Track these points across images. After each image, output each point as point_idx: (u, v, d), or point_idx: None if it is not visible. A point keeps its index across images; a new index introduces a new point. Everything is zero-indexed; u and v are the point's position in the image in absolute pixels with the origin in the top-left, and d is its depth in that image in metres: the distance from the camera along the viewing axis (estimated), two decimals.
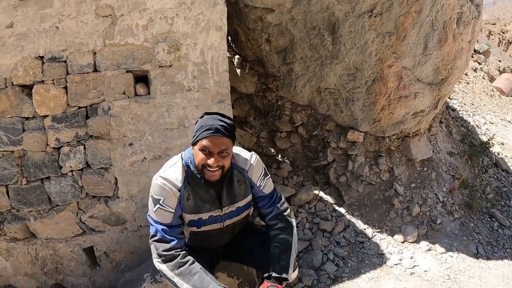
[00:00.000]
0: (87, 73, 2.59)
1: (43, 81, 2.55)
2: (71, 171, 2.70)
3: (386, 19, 3.26)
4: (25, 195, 2.67)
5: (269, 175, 2.09)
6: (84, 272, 2.88)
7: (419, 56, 3.48)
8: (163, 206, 1.86)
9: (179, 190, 1.86)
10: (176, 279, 1.82)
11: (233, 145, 1.88)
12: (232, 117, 2.91)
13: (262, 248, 2.11)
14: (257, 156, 2.07)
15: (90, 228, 2.81)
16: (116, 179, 2.75)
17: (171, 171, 1.90)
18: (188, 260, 1.85)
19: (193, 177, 1.89)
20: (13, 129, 2.59)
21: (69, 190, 2.71)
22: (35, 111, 2.58)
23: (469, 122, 5.12)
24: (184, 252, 1.88)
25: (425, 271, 3.14)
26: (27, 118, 2.60)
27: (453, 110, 5.21)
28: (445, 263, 3.24)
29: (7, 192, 2.67)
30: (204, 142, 1.77)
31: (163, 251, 1.86)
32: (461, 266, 3.23)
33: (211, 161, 1.77)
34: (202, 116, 1.89)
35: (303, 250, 3.18)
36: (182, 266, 1.84)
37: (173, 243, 1.86)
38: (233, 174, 1.96)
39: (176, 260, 1.84)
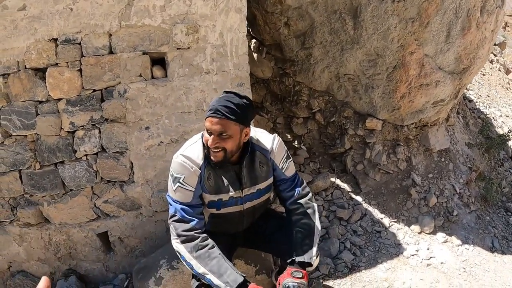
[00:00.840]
0: (102, 55, 2.48)
1: (57, 64, 2.46)
2: (86, 155, 2.62)
3: (409, 5, 3.11)
4: (38, 180, 2.60)
5: (291, 158, 2.03)
6: (98, 257, 2.82)
7: (442, 44, 3.34)
8: (183, 184, 1.81)
9: (200, 169, 1.81)
10: (194, 262, 1.77)
11: (245, 126, 1.80)
12: None
13: (282, 234, 2.05)
14: (280, 138, 2.02)
15: (105, 213, 2.74)
16: (131, 163, 2.66)
17: (192, 149, 1.86)
18: (208, 244, 1.80)
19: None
20: (26, 113, 2.50)
21: (83, 175, 2.63)
22: (49, 95, 2.49)
23: (486, 114, 4.97)
24: (204, 235, 1.83)
25: (442, 263, 3.05)
26: (40, 102, 2.52)
27: (470, 101, 5.05)
28: (461, 256, 3.16)
29: (20, 177, 2.60)
30: (206, 122, 1.75)
31: (182, 231, 1.81)
32: (477, 259, 3.15)
33: (209, 141, 1.73)
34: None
35: (319, 238, 3.09)
36: (201, 249, 1.78)
37: (192, 223, 1.82)
38: (255, 155, 1.91)
39: (195, 242, 1.79)
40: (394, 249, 3.12)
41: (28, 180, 2.60)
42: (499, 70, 6.94)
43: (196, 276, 1.87)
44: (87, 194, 2.68)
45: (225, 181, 1.88)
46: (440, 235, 3.30)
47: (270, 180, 1.99)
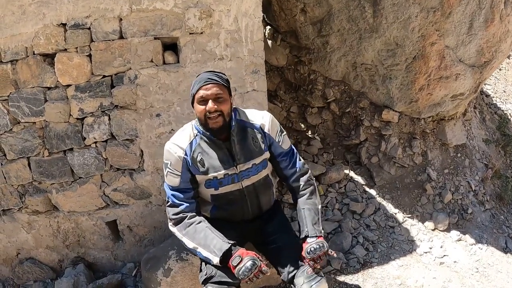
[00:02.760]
0: (113, 40, 2.36)
1: (66, 50, 2.36)
2: (95, 142, 2.52)
3: None
4: (47, 167, 2.52)
5: (285, 132, 2.06)
6: (107, 245, 2.74)
7: (463, 36, 3.14)
8: (170, 169, 1.87)
9: (185, 152, 1.85)
10: (185, 239, 1.85)
11: (230, 97, 1.87)
12: (265, 89, 2.68)
13: (289, 252, 1.96)
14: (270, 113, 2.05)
15: (114, 202, 2.65)
16: (141, 151, 2.55)
17: (178, 135, 1.93)
18: (195, 220, 1.86)
19: (203, 139, 1.88)
20: (35, 100, 2.41)
21: (92, 162, 2.53)
22: (58, 81, 2.40)
23: (503, 110, 4.74)
24: (193, 213, 1.88)
25: (455, 262, 2.92)
26: (49, 88, 2.42)
27: (487, 96, 4.81)
28: (474, 255, 3.02)
29: (29, 165, 2.53)
30: (199, 93, 1.79)
31: (173, 214, 1.89)
32: (490, 259, 3.01)
33: (209, 106, 1.76)
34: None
35: (332, 232, 2.98)
36: (189, 226, 1.85)
37: (182, 207, 1.88)
38: (246, 131, 1.93)
39: (184, 221, 1.86)
40: (407, 245, 2.99)
41: (36, 167, 2.52)
42: None
43: (203, 270, 1.87)
44: (96, 182, 2.59)
45: (218, 158, 1.87)
46: (454, 233, 3.15)
47: (266, 154, 1.96)
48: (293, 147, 2.07)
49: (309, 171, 2.07)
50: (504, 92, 5.45)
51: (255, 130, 1.94)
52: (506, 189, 3.62)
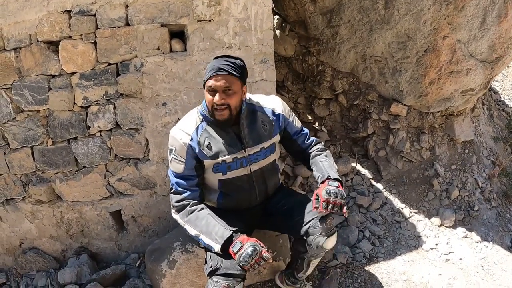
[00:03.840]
0: (118, 27, 2.28)
1: (70, 37, 2.28)
2: (100, 131, 2.45)
3: None
4: (51, 157, 2.46)
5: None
6: (110, 236, 2.70)
7: (476, 30, 3.04)
8: (175, 156, 1.84)
9: (191, 138, 1.81)
10: (187, 226, 1.83)
11: (243, 84, 1.80)
12: (274, 79, 2.61)
13: (300, 210, 1.96)
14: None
15: (118, 192, 2.60)
16: (147, 140, 2.49)
17: (184, 121, 1.89)
18: (197, 207, 1.84)
19: (209, 124, 1.84)
20: (39, 88, 2.35)
21: (97, 152, 2.47)
22: (62, 68, 2.33)
23: (511, 107, 4.65)
24: (195, 201, 1.85)
25: (460, 259, 2.86)
26: (53, 76, 2.35)
27: (495, 92, 4.72)
28: (479, 253, 2.96)
29: (32, 154, 2.47)
30: (209, 82, 1.74)
31: (175, 201, 1.87)
32: (495, 257, 2.95)
33: (216, 98, 1.72)
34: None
35: (338, 225, 2.93)
36: (191, 213, 1.83)
37: (185, 194, 1.85)
38: (256, 115, 1.90)
39: (186, 209, 1.84)
40: (414, 241, 2.93)
41: (40, 156, 2.46)
42: None
43: (208, 262, 1.82)
44: (100, 171, 2.53)
45: (225, 142, 1.84)
46: (460, 230, 3.10)
47: (275, 139, 1.95)
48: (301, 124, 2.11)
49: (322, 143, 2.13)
50: None
51: (266, 113, 1.92)
52: None
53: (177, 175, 1.86)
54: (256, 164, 1.91)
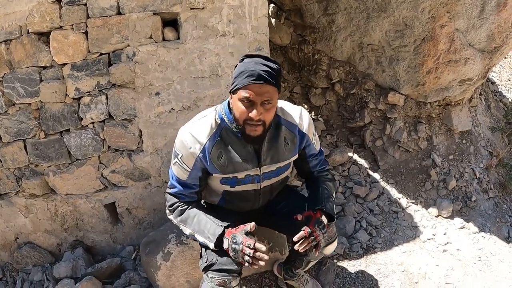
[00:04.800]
0: (110, 16, 2.21)
1: (61, 27, 2.21)
2: (92, 123, 2.39)
3: None
4: (43, 150, 2.40)
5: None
6: (105, 229, 2.65)
7: (474, 19, 2.98)
8: (180, 162, 1.65)
9: (203, 147, 1.60)
10: (182, 226, 1.75)
11: (279, 93, 1.54)
12: None
13: (303, 212, 1.78)
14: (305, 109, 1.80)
15: (112, 184, 2.55)
16: (140, 131, 2.43)
17: (198, 125, 1.63)
18: (188, 206, 1.73)
19: (227, 132, 1.61)
20: (30, 80, 2.28)
21: (90, 143, 2.41)
22: (53, 60, 2.26)
23: (508, 98, 4.60)
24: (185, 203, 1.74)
25: (457, 249, 2.83)
26: (44, 68, 2.29)
27: (493, 83, 4.66)
28: (477, 244, 2.93)
29: (25, 147, 2.41)
30: (245, 91, 1.45)
31: (169, 205, 1.77)
32: (492, 248, 2.92)
33: (253, 113, 1.45)
34: (242, 60, 1.53)
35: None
36: (183, 212, 1.73)
37: (181, 199, 1.74)
38: (280, 130, 1.67)
39: (178, 209, 1.74)
40: (411, 231, 2.90)
41: (32, 149, 2.41)
42: None
43: (203, 256, 1.75)
44: (93, 163, 2.47)
45: (242, 158, 1.64)
46: (458, 221, 3.07)
47: (293, 158, 1.76)
48: (320, 146, 1.91)
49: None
50: (509, 80, 5.30)
51: (290, 130, 1.69)
52: (510, 178, 3.53)
53: (179, 181, 1.70)
54: (268, 181, 1.77)
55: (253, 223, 1.60)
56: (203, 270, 1.74)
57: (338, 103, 3.53)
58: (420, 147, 3.33)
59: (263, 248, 1.52)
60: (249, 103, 1.46)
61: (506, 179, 3.55)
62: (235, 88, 1.48)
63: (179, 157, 1.64)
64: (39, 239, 2.66)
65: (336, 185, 1.91)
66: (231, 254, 1.58)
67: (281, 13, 3.61)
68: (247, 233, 1.57)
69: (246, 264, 1.54)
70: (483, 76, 3.39)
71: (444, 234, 2.93)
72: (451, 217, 3.09)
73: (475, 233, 3.02)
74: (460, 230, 3.01)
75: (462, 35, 3.05)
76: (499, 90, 4.71)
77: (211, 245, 1.65)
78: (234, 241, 1.55)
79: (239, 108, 1.49)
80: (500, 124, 4.00)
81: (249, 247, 1.51)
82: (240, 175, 1.68)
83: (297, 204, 1.87)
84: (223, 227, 1.63)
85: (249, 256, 1.51)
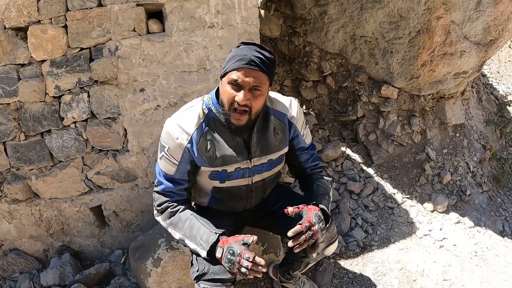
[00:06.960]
0: (90, 8, 2.04)
1: (39, 21, 2.03)
2: (74, 122, 2.22)
3: None
4: (24, 152, 2.23)
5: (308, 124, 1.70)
6: (92, 232, 2.49)
7: (471, 12, 2.87)
8: (167, 155, 1.55)
9: (190, 138, 1.51)
10: (170, 229, 1.61)
11: (270, 84, 1.48)
12: None
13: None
14: (296, 100, 1.70)
15: (97, 186, 2.39)
16: (125, 130, 2.28)
17: (185, 115, 1.55)
18: (179, 208, 1.59)
19: (215, 122, 1.53)
20: (8, 79, 2.10)
21: (72, 144, 2.25)
22: (31, 56, 2.08)
23: (498, 91, 4.53)
24: (176, 204, 1.61)
25: (454, 245, 2.76)
26: (22, 65, 2.11)
27: (483, 76, 4.59)
28: (473, 238, 2.87)
29: (5, 150, 2.24)
30: (234, 74, 1.39)
31: (158, 205, 1.63)
32: (488, 243, 2.86)
33: (239, 97, 1.39)
34: (239, 46, 1.47)
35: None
36: (173, 215, 1.59)
37: (170, 197, 1.61)
38: (269, 120, 1.59)
39: (167, 210, 1.60)
40: (407, 227, 2.81)
41: (13, 152, 2.23)
42: (510, 47, 6.42)
43: (194, 265, 1.61)
44: (77, 165, 2.30)
45: (230, 149, 1.54)
46: (453, 215, 2.99)
47: (285, 150, 1.67)
48: (313, 142, 1.79)
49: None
50: (498, 72, 5.27)
51: (280, 119, 1.61)
52: (503, 172, 3.48)
53: (166, 177, 1.59)
54: (260, 175, 1.66)
55: (255, 236, 1.46)
56: (194, 279, 1.60)
57: (330, 97, 3.39)
58: (414, 141, 3.23)
59: (263, 262, 1.39)
60: (237, 87, 1.40)
61: (499, 172, 3.50)
62: (225, 71, 1.42)
63: (165, 149, 1.55)
64: (25, 245, 2.49)
65: (333, 184, 1.75)
66: (225, 264, 1.43)
67: (271, 3, 3.45)
68: (244, 244, 1.43)
69: (241, 275, 1.41)
70: (477, 69, 3.30)
71: (440, 229, 2.85)
72: (447, 211, 3.01)
73: (470, 227, 2.95)
74: (456, 225, 2.93)
75: (458, 27, 2.94)
76: (490, 82, 4.64)
77: (203, 253, 1.51)
78: (231, 252, 1.40)
79: (226, 91, 1.42)
80: (492, 117, 3.93)
81: (247, 260, 1.37)
82: (230, 168, 1.58)
83: (293, 204, 1.71)
84: (217, 234, 1.49)
85: (246, 268, 1.37)
